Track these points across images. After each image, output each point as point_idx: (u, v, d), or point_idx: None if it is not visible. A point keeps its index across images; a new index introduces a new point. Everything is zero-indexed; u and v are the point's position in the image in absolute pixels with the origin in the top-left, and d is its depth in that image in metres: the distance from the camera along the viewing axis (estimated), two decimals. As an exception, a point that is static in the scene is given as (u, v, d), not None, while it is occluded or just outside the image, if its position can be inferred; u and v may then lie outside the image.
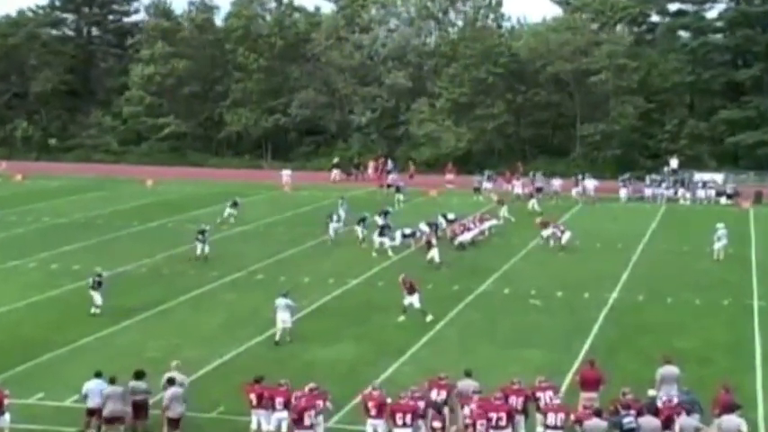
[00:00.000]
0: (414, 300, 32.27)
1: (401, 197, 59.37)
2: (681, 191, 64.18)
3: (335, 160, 75.36)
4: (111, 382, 21.89)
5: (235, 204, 51.74)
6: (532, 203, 57.67)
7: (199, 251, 40.96)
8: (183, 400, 21.62)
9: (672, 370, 22.98)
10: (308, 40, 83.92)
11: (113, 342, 29.72)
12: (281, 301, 29.84)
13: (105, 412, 21.50)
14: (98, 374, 22.26)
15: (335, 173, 73.13)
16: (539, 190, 63.32)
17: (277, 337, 29.33)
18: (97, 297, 32.53)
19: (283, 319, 29.55)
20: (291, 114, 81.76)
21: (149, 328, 31.17)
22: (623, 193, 64.10)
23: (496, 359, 27.53)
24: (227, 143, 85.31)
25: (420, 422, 20.81)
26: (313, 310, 33.79)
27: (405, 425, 20.48)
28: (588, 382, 22.65)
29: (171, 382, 21.78)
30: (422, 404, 20.95)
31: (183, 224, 50.31)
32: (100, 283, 32.82)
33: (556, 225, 46.31)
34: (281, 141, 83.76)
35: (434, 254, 40.60)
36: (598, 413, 20.07)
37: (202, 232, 41.54)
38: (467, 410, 20.74)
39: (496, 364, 26.54)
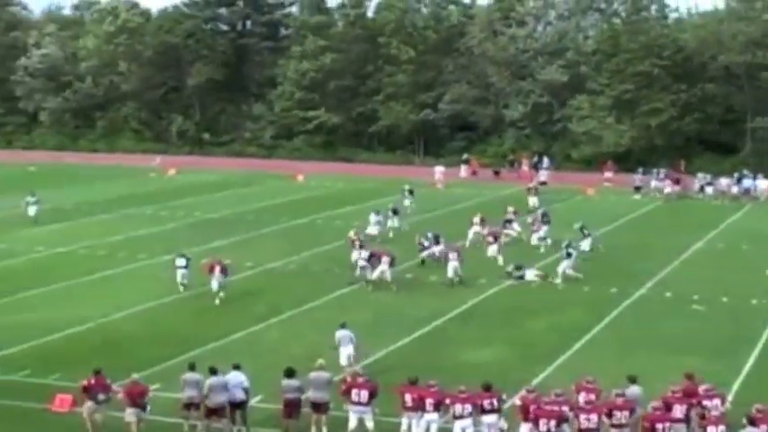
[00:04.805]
0: None
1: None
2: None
3: (465, 156, 74.17)
4: (213, 372, 21.96)
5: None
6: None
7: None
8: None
9: None
10: (462, 33, 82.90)
11: (260, 339, 29.88)
12: (343, 333, 26.17)
13: (210, 404, 21.72)
14: (237, 367, 22.44)
15: (464, 168, 71.93)
16: (701, 189, 61.25)
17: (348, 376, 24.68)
18: None
19: (348, 353, 25.83)
20: (441, 109, 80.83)
21: (296, 326, 31.05)
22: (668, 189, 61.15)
23: (655, 366, 26.32)
24: (379, 138, 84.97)
25: (564, 426, 20.07)
26: (463, 311, 33.06)
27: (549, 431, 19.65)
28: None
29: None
30: (566, 408, 20.24)
31: (333, 221, 50.06)
32: None
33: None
34: (433, 137, 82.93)
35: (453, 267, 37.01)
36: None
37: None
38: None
39: (655, 372, 25.24)
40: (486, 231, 42.75)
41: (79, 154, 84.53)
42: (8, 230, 47.08)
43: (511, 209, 46.63)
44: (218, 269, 34.19)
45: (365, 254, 36.96)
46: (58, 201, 55.88)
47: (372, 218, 45.83)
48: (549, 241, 43.03)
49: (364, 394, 21.33)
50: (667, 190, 61.06)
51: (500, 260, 39.53)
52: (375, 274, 35.96)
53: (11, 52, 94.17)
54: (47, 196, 54.71)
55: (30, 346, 28.63)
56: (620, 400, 20.31)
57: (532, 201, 54.08)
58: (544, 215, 45.47)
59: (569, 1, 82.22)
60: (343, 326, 26.53)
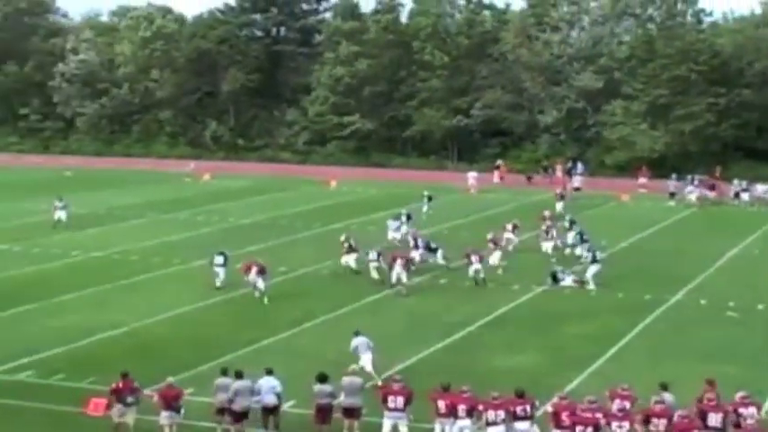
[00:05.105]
0: None
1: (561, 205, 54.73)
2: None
3: (498, 162, 74.31)
4: (239, 376, 22.09)
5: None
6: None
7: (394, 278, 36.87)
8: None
9: None
10: (496, 38, 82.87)
11: (294, 344, 29.91)
12: (360, 340, 26.08)
13: (236, 407, 21.80)
14: (269, 372, 22.40)
15: (497, 174, 72.34)
16: (736, 195, 60.81)
17: (380, 382, 25.11)
18: None
19: (370, 358, 25.62)
20: (474, 115, 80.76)
21: (329, 331, 30.96)
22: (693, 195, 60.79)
23: (689, 374, 25.91)
24: (412, 144, 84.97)
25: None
26: (496, 317, 33.03)
27: None
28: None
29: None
30: (600, 415, 20.06)
31: (366, 226, 50.08)
32: None
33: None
34: (467, 142, 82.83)
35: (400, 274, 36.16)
36: None
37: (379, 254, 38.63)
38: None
39: (689, 380, 24.84)
40: (490, 237, 41.81)
41: (114, 159, 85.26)
42: (44, 234, 47.47)
43: (547, 213, 46.41)
44: (254, 269, 34.82)
45: (374, 254, 37.86)
46: (93, 205, 56.40)
47: (391, 224, 46.08)
48: (568, 251, 42.73)
49: (400, 400, 21.29)
50: (691, 197, 60.71)
51: (500, 266, 39.32)
52: (393, 278, 36.17)
53: (49, 58, 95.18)
54: (83, 201, 55.27)
55: (65, 349, 28.84)
56: (658, 407, 20.14)
57: (559, 206, 53.76)
58: (572, 222, 45.19)
59: (604, 6, 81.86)
60: (357, 333, 26.45)
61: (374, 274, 37.44)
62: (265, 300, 34.42)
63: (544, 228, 44.18)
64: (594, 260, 37.67)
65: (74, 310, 33.46)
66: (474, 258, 37.38)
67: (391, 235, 45.21)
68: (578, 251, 41.62)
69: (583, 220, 50.59)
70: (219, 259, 36.70)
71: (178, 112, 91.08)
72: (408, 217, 47.41)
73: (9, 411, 23.51)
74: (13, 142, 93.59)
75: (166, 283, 38.04)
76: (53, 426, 23.09)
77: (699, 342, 29.99)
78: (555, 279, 37.49)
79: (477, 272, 37.15)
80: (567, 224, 45.03)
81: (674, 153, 73.41)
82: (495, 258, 39.64)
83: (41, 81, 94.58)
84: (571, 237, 43.46)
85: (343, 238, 40.43)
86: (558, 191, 57.84)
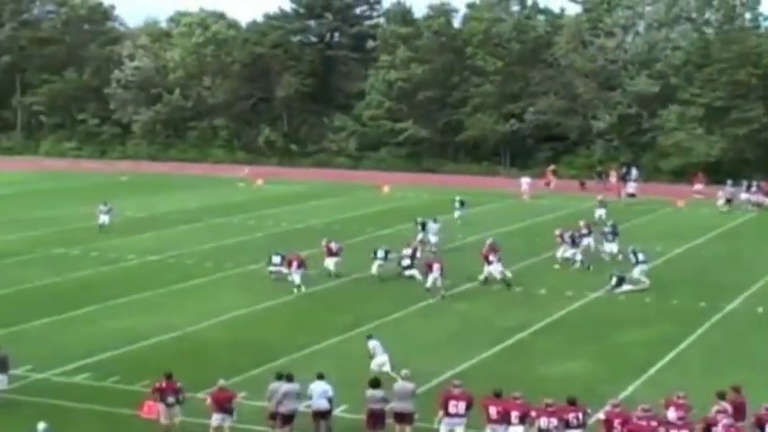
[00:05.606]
0: None
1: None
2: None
3: (552, 167, 73.91)
4: (289, 379, 22.31)
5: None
6: None
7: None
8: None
9: None
10: (549, 43, 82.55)
11: (345, 349, 29.89)
12: (374, 343, 27.07)
13: (283, 410, 21.97)
14: (320, 377, 22.57)
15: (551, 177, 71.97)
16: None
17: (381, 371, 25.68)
18: None
19: (381, 362, 26.33)
20: (527, 120, 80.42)
21: (381, 336, 30.78)
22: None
23: (744, 383, 25.27)
24: (465, 149, 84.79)
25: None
26: (549, 323, 32.86)
27: None
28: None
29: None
30: (655, 424, 19.88)
31: (418, 232, 49.97)
32: None
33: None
34: (520, 148, 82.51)
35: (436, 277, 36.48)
36: None
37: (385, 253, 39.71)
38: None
39: (744, 389, 24.48)
40: (489, 242, 40.71)
41: (170, 164, 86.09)
42: (101, 238, 48.01)
43: (582, 223, 45.59)
44: (295, 263, 36.32)
45: (381, 252, 39.26)
46: (149, 210, 57.01)
47: (432, 227, 46.01)
48: (607, 257, 42.31)
49: (462, 405, 21.29)
50: (720, 201, 59.89)
51: (498, 273, 38.27)
52: (429, 283, 36.36)
53: (106, 64, 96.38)
54: (138, 205, 55.82)
55: (121, 352, 29.16)
56: (720, 416, 19.93)
57: (600, 213, 52.91)
58: (614, 227, 44.71)
59: (659, 11, 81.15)
60: (370, 337, 27.53)
61: (374, 271, 38.84)
62: (303, 289, 36.02)
63: (557, 233, 43.07)
64: (638, 261, 37.63)
65: (130, 314, 33.82)
66: (492, 258, 37.80)
67: (432, 238, 45.14)
68: (568, 254, 41.61)
69: (638, 225, 50.47)
70: (277, 259, 38.06)
71: (232, 117, 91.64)
72: (423, 225, 46.80)
73: (65, 413, 23.77)
74: (72, 147, 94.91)
75: (220, 286, 38.30)
76: (107, 428, 23.36)
77: (755, 351, 29.66)
78: (619, 283, 37.19)
79: (502, 272, 37.55)
80: (609, 229, 44.47)
81: (729, 159, 72.61)
82: (493, 270, 38.40)
83: (99, 86, 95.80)
84: (616, 243, 43.18)
85: (324, 242, 40.75)
86: (600, 197, 56.79)
